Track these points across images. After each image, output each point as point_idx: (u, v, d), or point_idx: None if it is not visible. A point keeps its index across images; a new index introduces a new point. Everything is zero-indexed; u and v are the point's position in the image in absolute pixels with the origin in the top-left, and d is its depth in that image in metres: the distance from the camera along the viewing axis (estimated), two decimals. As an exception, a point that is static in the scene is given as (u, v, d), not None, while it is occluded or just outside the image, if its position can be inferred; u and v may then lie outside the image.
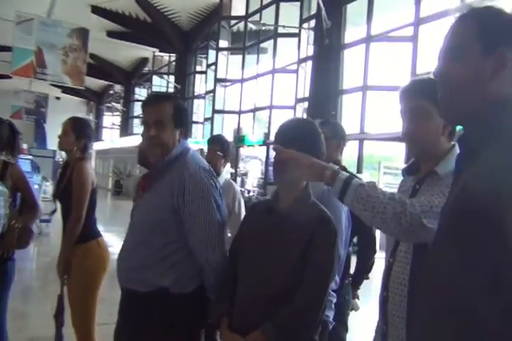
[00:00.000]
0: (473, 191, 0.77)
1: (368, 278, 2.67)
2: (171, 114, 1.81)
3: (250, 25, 15.52)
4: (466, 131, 0.96)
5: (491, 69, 0.88)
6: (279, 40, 14.40)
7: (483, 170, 0.79)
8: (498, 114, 0.86)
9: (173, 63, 22.99)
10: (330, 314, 1.94)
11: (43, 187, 10.79)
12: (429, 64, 9.57)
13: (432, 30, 9.63)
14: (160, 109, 1.81)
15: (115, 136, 30.44)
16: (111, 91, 33.58)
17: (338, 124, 2.89)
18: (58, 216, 2.88)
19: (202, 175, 1.78)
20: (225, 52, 17.66)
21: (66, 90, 32.20)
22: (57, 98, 36.23)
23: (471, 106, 0.91)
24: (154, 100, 1.88)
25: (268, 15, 14.45)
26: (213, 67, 18.05)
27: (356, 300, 2.70)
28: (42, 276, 6.12)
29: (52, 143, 24.35)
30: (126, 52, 24.69)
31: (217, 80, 17.53)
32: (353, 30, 11.93)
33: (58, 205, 2.84)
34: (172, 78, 22.12)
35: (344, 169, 2.38)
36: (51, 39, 19.35)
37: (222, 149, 3.18)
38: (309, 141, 1.60)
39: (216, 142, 3.27)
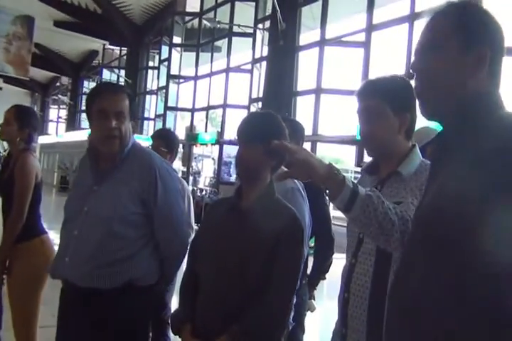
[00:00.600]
0: (450, 191, 0.78)
1: (324, 278, 2.65)
2: (127, 105, 1.75)
3: (205, 23, 15.34)
4: (445, 127, 0.95)
5: (471, 66, 0.88)
6: (234, 39, 14.31)
7: (459, 171, 0.80)
8: (476, 111, 0.86)
9: (124, 57, 22.35)
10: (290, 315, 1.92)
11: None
12: (380, 69, 9.81)
13: (384, 37, 9.89)
14: (120, 99, 1.74)
15: (61, 130, 29.22)
16: (57, 84, 32.21)
17: (298, 122, 2.68)
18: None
19: (166, 166, 1.81)
20: (179, 49, 17.36)
21: (8, 80, 30.50)
22: (-1, 88, 34.37)
23: (450, 102, 0.91)
24: (114, 89, 1.78)
25: (223, 14, 14.33)
26: (166, 63, 17.70)
27: (312, 300, 2.66)
28: None
29: (-7, 136, 23.04)
30: (74, 44, 23.72)
31: (170, 76, 17.20)
32: (308, 33, 12.05)
33: None
34: (123, 72, 21.49)
35: None
36: (-8, 25, 18.27)
37: (167, 145, 2.89)
38: (277, 136, 1.44)
39: (161, 137, 2.97)
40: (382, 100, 1.35)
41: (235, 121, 14.32)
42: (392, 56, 10.27)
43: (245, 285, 1.46)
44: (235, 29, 13.94)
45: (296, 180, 1.99)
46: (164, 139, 2.94)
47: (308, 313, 2.64)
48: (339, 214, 1.16)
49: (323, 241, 2.60)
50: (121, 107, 1.73)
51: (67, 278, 1.70)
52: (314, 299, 2.70)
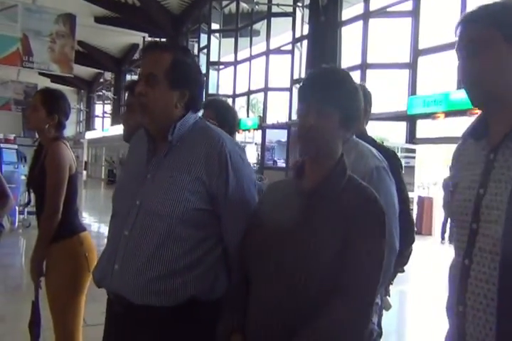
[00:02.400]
0: None
1: (403, 271, 2.25)
2: (166, 67, 1.36)
3: (242, 6, 15.09)
4: None
5: None
6: (273, 20, 14.01)
7: None
8: None
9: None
10: (374, 320, 1.61)
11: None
12: (431, 39, 9.27)
13: (433, 4, 9.32)
14: (153, 59, 1.38)
15: (107, 125, 29.97)
16: (101, 80, 32.96)
17: (364, 85, 2.25)
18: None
19: (239, 150, 1.44)
20: (217, 35, 17.23)
21: (55, 79, 31.57)
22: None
23: None
24: (149, 47, 1.43)
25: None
26: (205, 50, 17.63)
27: (387, 297, 2.24)
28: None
29: (43, 133, 23.90)
30: (115, 39, 24.09)
31: (209, 63, 17.13)
32: (350, 7, 11.58)
33: (33, 196, 2.40)
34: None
35: (373, 141, 2.07)
36: (37, 26, 18.73)
37: (217, 115, 2.22)
38: (355, 100, 1.21)
39: (210, 106, 2.29)
40: (496, 30, 1.03)
41: (276, 105, 14.07)
42: (444, 24, 9.66)
43: (310, 288, 1.15)
44: (274, 9, 13.63)
45: (379, 156, 1.70)
46: (214, 109, 2.29)
47: (384, 312, 2.18)
48: None
49: (401, 227, 2.08)
50: (151, 68, 1.36)
51: (117, 290, 1.37)
52: (389, 295, 2.29)
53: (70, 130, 38.77)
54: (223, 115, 2.26)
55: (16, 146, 12.30)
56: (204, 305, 1.35)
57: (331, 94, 1.18)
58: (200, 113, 1.51)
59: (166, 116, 1.39)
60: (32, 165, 2.37)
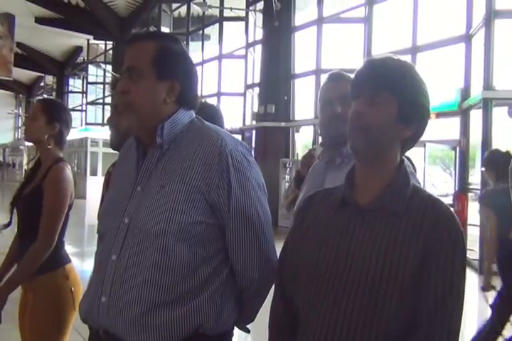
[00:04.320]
0: None
1: None
2: (149, 57, 1.17)
3: (193, 10, 14.86)
4: None
5: None
6: (225, 25, 13.88)
7: None
8: None
9: (110, 51, 21.77)
10: None
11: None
12: (383, 44, 9.46)
13: (385, 11, 9.53)
14: (133, 51, 1.20)
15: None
16: (42, 83, 31.51)
17: None
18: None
19: (242, 149, 1.22)
20: (167, 39, 16.88)
21: (-9, 83, 29.88)
22: (-18, 92, 33.54)
23: None
24: (130, 40, 1.23)
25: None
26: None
27: None
28: None
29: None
30: (57, 41, 23.08)
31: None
32: (303, 12, 11.66)
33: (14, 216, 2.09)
34: (109, 67, 20.92)
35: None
36: (-29, 25, 17.65)
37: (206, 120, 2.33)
38: (415, 88, 1.03)
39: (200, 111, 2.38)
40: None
41: (230, 110, 13.92)
42: (396, 30, 9.90)
43: (378, 323, 0.93)
44: (226, 14, 13.50)
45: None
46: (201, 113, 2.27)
47: None
48: None
49: None
50: (132, 61, 1.18)
51: (106, 327, 1.14)
52: None
53: (7, 136, 36.72)
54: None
55: None
56: (209, 340, 1.15)
57: (387, 79, 0.99)
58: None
59: (154, 113, 1.18)
60: (24, 183, 2.05)
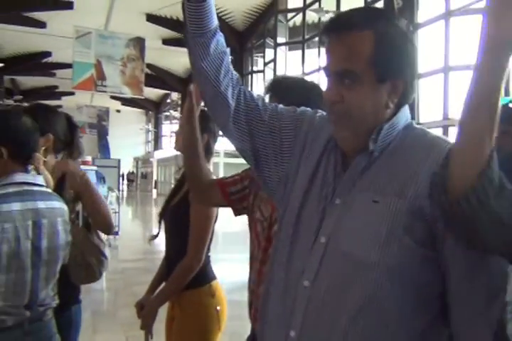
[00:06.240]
0: None
1: None
2: (366, 55, 0.93)
3: (308, 18, 14.90)
4: None
5: None
6: (342, 28, 13.69)
7: None
8: None
9: (229, 65, 22.81)
10: None
11: (109, 199, 10.61)
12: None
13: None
14: (343, 47, 0.94)
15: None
16: (168, 100, 34.08)
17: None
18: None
19: None
20: (283, 48, 17.14)
21: (125, 102, 33.08)
22: (118, 111, 37.37)
23: None
24: (335, 29, 0.96)
25: (328, 4, 13.76)
26: (271, 64, 17.59)
27: None
28: (112, 299, 5.32)
29: (116, 153, 24.91)
30: (182, 59, 24.78)
31: (276, 78, 17.06)
32: (426, 8, 11.01)
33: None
34: (228, 81, 21.90)
35: None
36: (109, 51, 19.73)
37: None
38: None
39: None
40: None
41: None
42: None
43: None
44: (343, 18, 13.31)
45: None
46: None
47: None
48: None
49: None
50: (342, 61, 0.94)
51: None
52: None
53: (139, 150, 40.33)
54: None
55: (95, 168, 12.73)
56: None
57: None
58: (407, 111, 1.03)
59: (375, 120, 0.97)
60: (172, 194, 2.09)
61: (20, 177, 1.54)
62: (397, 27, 0.97)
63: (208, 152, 2.01)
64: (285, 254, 1.02)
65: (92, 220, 1.88)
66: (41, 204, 1.56)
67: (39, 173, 1.69)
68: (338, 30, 0.95)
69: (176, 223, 1.95)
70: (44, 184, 1.65)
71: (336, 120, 0.98)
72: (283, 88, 1.46)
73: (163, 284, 1.97)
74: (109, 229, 1.91)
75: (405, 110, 1.02)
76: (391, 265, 0.87)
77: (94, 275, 1.90)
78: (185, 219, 1.88)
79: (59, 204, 1.65)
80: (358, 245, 0.90)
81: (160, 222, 2.04)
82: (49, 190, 1.66)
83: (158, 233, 2.06)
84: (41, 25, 19.53)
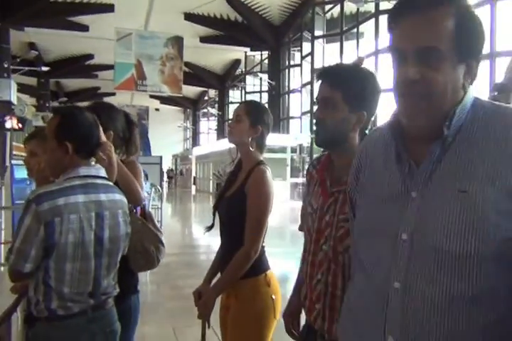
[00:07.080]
0: None
1: None
2: (449, 34, 0.88)
3: (346, 8, 14.67)
4: None
5: None
6: (381, 18, 13.39)
7: None
8: None
9: (266, 60, 22.77)
10: None
11: (151, 195, 10.83)
12: None
13: None
14: (425, 23, 0.89)
15: (212, 140, 31.07)
16: (205, 97, 34.42)
17: None
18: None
19: None
20: (321, 41, 16.94)
21: (164, 101, 33.68)
22: (157, 109, 38.14)
23: None
24: (419, 3, 0.90)
25: (366, -6, 13.50)
26: (308, 58, 17.43)
27: None
28: (156, 291, 5.20)
29: (156, 151, 25.40)
30: (218, 56, 24.99)
31: (314, 71, 16.86)
32: (470, -7, 10.58)
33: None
34: (265, 76, 21.88)
35: None
36: (149, 50, 20.10)
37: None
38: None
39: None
40: None
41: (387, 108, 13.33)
42: None
43: None
44: (382, 7, 13.03)
45: None
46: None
47: None
48: None
49: None
50: (427, 38, 0.88)
51: None
52: None
53: (178, 147, 40.98)
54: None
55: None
56: None
57: None
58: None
59: (450, 105, 0.92)
60: (226, 185, 2.10)
61: (84, 170, 1.59)
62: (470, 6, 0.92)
63: (262, 145, 2.01)
64: (366, 257, 1.01)
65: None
66: (103, 197, 1.61)
67: (110, 161, 1.76)
68: (419, 6, 0.89)
69: (232, 214, 1.95)
70: (106, 176, 1.70)
71: (414, 103, 0.91)
72: (336, 75, 1.43)
73: (218, 274, 2.00)
74: (136, 199, 1.92)
75: (472, 90, 0.95)
76: (492, 250, 0.83)
77: (152, 262, 1.97)
78: (241, 210, 1.88)
79: (119, 197, 1.69)
80: (449, 236, 0.85)
81: (214, 214, 2.06)
82: (110, 183, 1.71)
83: (213, 224, 2.08)
84: (84, 28, 20.14)
